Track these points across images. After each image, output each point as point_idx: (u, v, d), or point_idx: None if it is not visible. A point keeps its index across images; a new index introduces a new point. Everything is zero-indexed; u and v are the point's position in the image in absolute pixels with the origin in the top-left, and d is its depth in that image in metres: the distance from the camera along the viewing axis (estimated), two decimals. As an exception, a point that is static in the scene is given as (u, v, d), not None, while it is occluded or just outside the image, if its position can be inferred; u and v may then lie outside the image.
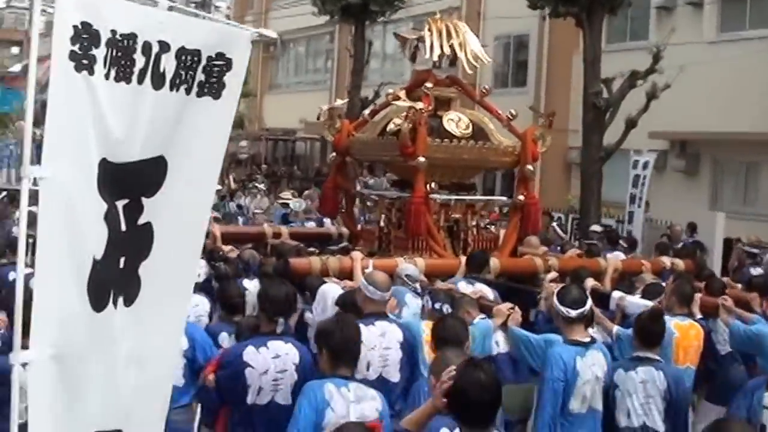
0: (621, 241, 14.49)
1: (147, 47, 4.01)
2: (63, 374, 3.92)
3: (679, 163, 22.29)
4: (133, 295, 4.22)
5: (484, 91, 10.83)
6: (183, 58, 4.16)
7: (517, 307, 7.31)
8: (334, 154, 11.06)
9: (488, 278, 8.88)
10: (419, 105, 9.44)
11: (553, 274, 9.15)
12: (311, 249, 10.02)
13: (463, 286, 8.25)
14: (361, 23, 26.14)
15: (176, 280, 4.47)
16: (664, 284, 8.67)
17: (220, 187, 17.77)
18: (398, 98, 9.71)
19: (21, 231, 3.85)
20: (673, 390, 6.24)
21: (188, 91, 4.23)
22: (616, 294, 8.13)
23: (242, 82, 4.47)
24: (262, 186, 25.46)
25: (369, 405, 5.17)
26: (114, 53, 3.90)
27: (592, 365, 6.19)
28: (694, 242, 14.83)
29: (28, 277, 8.59)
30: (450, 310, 6.82)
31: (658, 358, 6.38)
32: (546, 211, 20.64)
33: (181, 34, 4.16)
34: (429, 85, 10.01)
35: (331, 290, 7.49)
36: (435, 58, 10.02)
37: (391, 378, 6.36)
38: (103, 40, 3.83)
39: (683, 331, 7.49)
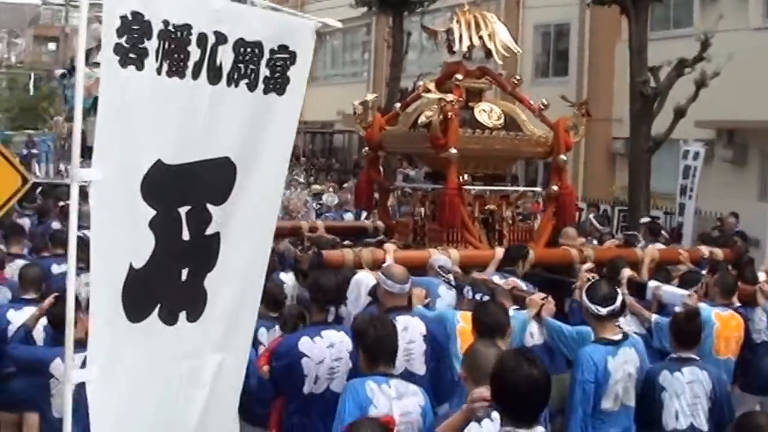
0: (663, 232, 14.47)
1: (202, 39, 3.82)
2: (121, 393, 3.80)
3: (726, 153, 22.13)
4: (198, 310, 4.07)
5: (515, 81, 10.90)
6: (241, 50, 3.98)
7: (550, 297, 7.38)
8: (366, 148, 11.25)
9: (522, 272, 8.89)
10: (450, 97, 9.52)
11: (589, 265, 9.19)
12: (347, 242, 10.21)
13: (496, 280, 8.29)
14: (399, 14, 26.29)
15: (244, 293, 4.30)
16: (703, 272, 8.79)
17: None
18: (428, 90, 9.82)
19: (71, 233, 3.73)
20: (717, 390, 6.33)
21: (251, 87, 4.05)
22: (653, 283, 8.21)
23: (307, 77, 4.28)
24: (301, 179, 25.75)
25: (411, 401, 5.24)
26: (167, 45, 3.70)
27: (624, 363, 6.24)
28: (736, 232, 14.84)
29: (65, 275, 8.81)
30: None
31: (697, 358, 6.46)
32: (593, 203, 20.72)
33: (239, 24, 3.96)
34: (459, 76, 10.09)
35: (364, 279, 7.61)
36: (464, 49, 10.12)
37: (416, 371, 6.44)
38: (155, 32, 3.64)
39: (724, 322, 7.58)
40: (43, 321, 7.16)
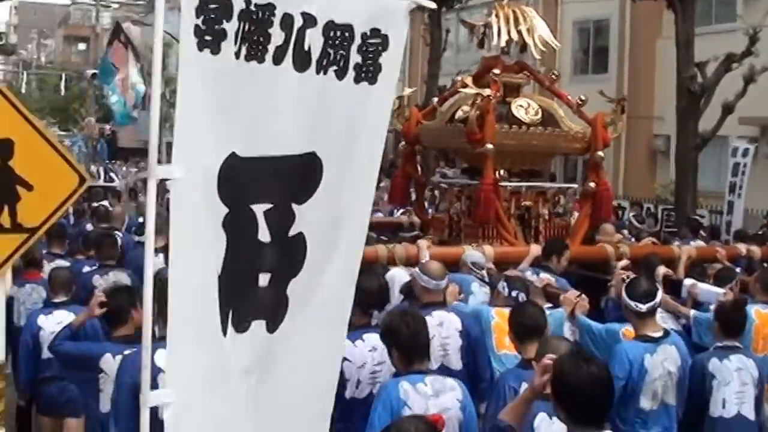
0: (701, 231, 14.46)
1: (287, 20, 3.56)
2: (197, 414, 3.57)
3: (770, 149, 22.18)
4: (279, 320, 3.81)
5: (553, 77, 11.04)
6: (331, 34, 3.71)
7: (584, 295, 7.43)
8: (403, 143, 11.42)
9: (558, 268, 8.98)
10: (487, 92, 9.65)
11: (625, 262, 9.31)
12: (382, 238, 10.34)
13: (528, 276, 8.40)
14: (436, 11, 26.40)
15: (332, 303, 4.00)
16: (737, 269, 8.88)
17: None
18: (466, 85, 9.93)
19: (148, 239, 3.48)
20: (763, 379, 6.44)
21: (340, 75, 3.77)
22: (688, 281, 8.31)
23: (399, 65, 3.98)
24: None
25: (449, 396, 5.20)
26: (247, 27, 3.46)
27: (664, 361, 6.25)
28: (776, 228, 14.87)
29: (93, 273, 8.87)
30: (525, 299, 6.95)
31: (741, 346, 6.58)
32: (637, 201, 20.78)
33: (329, 5, 3.69)
34: (497, 71, 10.23)
35: (397, 275, 7.76)
36: (502, 44, 10.26)
37: (453, 367, 6.50)
38: (236, 12, 3.41)
39: (764, 319, 7.60)
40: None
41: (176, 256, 3.40)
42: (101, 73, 21.04)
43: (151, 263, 3.45)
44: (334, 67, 3.74)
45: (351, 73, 3.80)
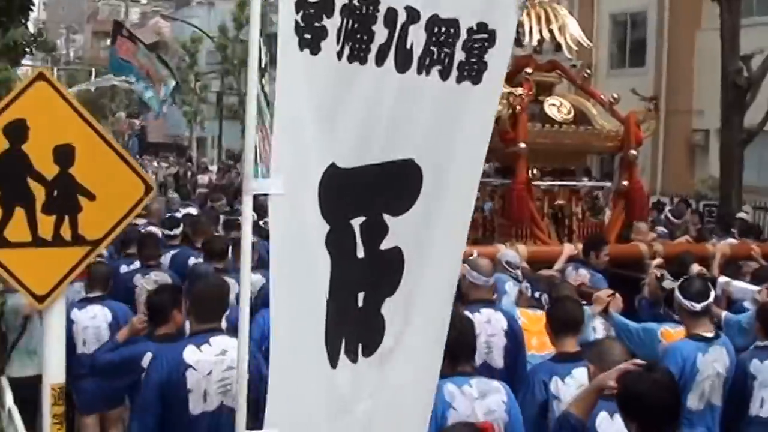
0: (733, 229, 14.47)
1: (391, 16, 3.32)
2: None
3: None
4: (375, 342, 3.59)
5: (585, 75, 11.17)
6: (436, 30, 3.46)
7: (617, 293, 7.54)
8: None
9: (598, 264, 9.13)
10: (519, 90, 9.81)
11: (659, 260, 9.43)
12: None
13: (569, 271, 8.65)
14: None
15: (429, 322, 3.78)
16: (774, 268, 9.01)
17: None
18: None
19: (244, 257, 3.28)
20: None
21: (444, 75, 3.53)
22: (722, 279, 8.42)
23: (507, 62, 3.76)
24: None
25: (494, 398, 5.22)
26: (350, 25, 3.22)
27: (715, 361, 6.29)
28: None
29: (134, 272, 8.96)
30: (547, 300, 7.09)
31: None
32: (682, 197, 20.81)
33: None
34: (529, 70, 10.37)
35: None
36: (534, 43, 10.42)
37: (495, 365, 6.59)
38: (338, 7, 3.18)
39: (799, 315, 7.76)
40: (108, 317, 7.52)
41: (279, 282, 3.19)
42: (112, 71, 21.08)
43: (248, 286, 3.27)
44: (438, 67, 3.51)
45: (454, 73, 3.56)
